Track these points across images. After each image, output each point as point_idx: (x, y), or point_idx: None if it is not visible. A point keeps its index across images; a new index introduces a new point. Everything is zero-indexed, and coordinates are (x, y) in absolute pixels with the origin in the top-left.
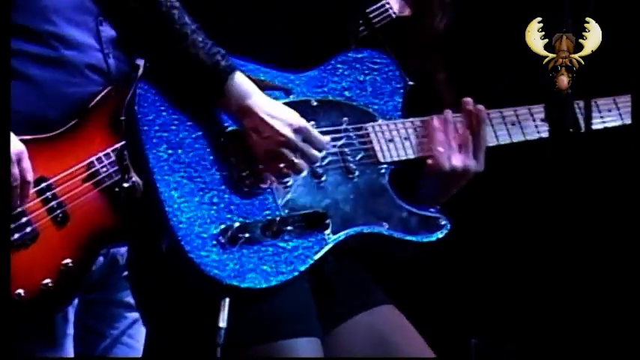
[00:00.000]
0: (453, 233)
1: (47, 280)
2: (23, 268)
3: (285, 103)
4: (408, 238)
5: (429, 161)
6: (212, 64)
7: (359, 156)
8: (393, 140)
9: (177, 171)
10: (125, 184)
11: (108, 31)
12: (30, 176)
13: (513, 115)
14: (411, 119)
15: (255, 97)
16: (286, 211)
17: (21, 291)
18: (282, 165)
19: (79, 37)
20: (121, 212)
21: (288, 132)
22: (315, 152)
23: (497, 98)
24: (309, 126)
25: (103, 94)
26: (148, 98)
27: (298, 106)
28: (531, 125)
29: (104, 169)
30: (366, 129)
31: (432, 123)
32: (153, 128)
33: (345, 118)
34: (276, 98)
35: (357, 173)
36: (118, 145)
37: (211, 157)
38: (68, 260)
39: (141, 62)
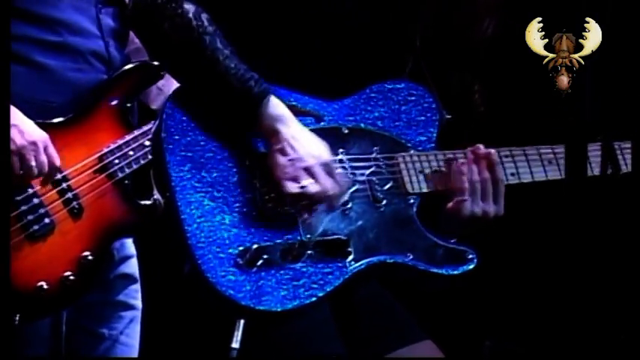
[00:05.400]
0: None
1: (68, 273)
2: (43, 260)
3: (315, 130)
4: (433, 270)
5: (449, 205)
6: (244, 91)
7: (387, 185)
8: (424, 172)
9: (199, 191)
10: (147, 202)
11: (107, 20)
12: (58, 161)
13: (551, 153)
14: (443, 152)
15: (286, 121)
16: (308, 236)
17: (43, 283)
18: (298, 190)
19: (82, 23)
20: (134, 208)
21: (313, 160)
22: (332, 189)
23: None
24: (333, 163)
25: (108, 81)
26: (175, 117)
27: (329, 133)
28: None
29: (116, 161)
30: (396, 159)
31: (454, 167)
32: (178, 147)
33: (376, 147)
34: (307, 124)
35: (384, 202)
36: (128, 138)
37: (235, 179)
38: (87, 253)
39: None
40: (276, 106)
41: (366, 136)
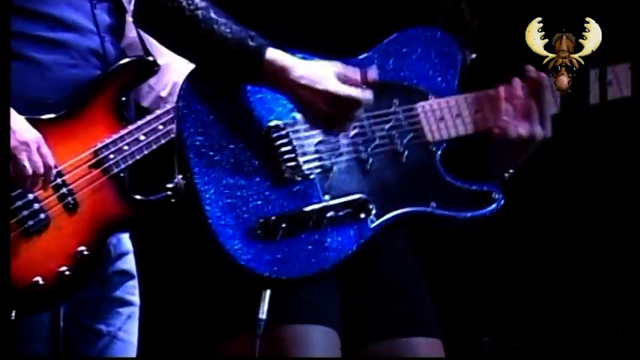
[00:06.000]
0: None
1: (64, 268)
2: (39, 255)
3: None
4: (457, 214)
5: (496, 131)
6: (242, 50)
7: (408, 137)
8: (444, 118)
9: (216, 166)
10: (169, 185)
11: (102, 16)
12: (51, 160)
13: None
14: (463, 95)
15: (295, 70)
16: (327, 197)
17: (39, 279)
18: (346, 112)
19: (79, 20)
20: (129, 203)
21: (331, 83)
22: (355, 94)
23: None
24: (341, 68)
25: (103, 76)
26: (191, 97)
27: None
28: None
29: (111, 156)
30: (416, 109)
31: (498, 93)
32: (195, 125)
33: (396, 100)
34: None
35: (405, 154)
36: (123, 132)
37: (251, 152)
38: (83, 247)
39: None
40: (276, 57)
41: (384, 89)
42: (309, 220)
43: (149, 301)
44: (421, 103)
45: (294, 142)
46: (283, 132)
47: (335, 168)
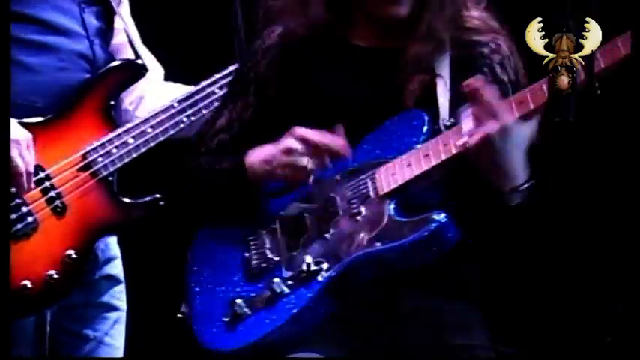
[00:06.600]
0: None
1: (52, 272)
2: (27, 258)
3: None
4: (398, 242)
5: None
6: (223, 170)
7: (364, 199)
8: (395, 172)
9: (206, 272)
10: (179, 314)
11: (91, 19)
12: (35, 162)
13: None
14: (415, 148)
15: (258, 169)
16: (290, 273)
17: (27, 282)
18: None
19: (67, 23)
20: (117, 206)
21: (292, 144)
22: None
23: None
24: (302, 134)
25: (92, 79)
26: (196, 245)
27: (323, 186)
28: None
29: (100, 159)
30: (373, 176)
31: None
32: (197, 249)
33: (363, 176)
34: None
35: (362, 213)
36: (112, 136)
37: (234, 256)
38: (71, 251)
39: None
40: (249, 167)
41: (354, 175)
42: (267, 293)
43: (136, 306)
44: (379, 169)
45: (266, 240)
46: (257, 235)
47: (299, 248)
